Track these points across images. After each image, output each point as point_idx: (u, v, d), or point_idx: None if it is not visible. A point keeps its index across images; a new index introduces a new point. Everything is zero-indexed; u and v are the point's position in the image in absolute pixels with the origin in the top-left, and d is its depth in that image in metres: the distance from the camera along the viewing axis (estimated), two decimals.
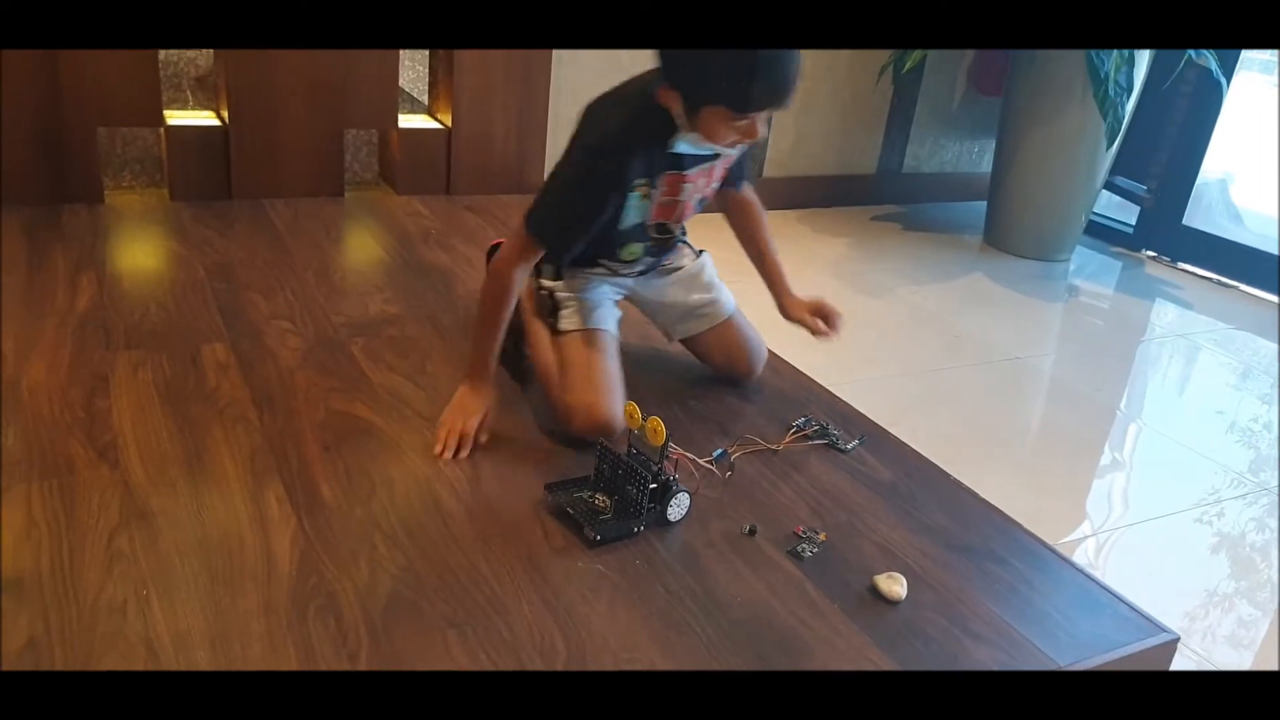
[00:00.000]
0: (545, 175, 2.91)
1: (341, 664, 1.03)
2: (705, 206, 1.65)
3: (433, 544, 1.24)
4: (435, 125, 2.78)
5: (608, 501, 1.31)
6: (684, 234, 1.73)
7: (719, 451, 1.49)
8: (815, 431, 1.62)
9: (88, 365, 1.58)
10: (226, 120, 2.45)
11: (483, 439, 1.46)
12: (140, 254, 2.15)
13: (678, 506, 1.32)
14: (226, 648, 1.03)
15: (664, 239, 1.63)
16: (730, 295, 1.75)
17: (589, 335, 1.56)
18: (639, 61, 1.45)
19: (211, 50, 2.60)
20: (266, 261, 2.11)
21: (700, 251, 1.76)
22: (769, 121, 1.40)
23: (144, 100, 2.34)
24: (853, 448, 1.59)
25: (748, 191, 1.73)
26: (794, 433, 1.61)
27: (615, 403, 1.48)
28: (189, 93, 2.66)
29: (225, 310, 1.84)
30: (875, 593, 1.25)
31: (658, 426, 1.28)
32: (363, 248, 2.36)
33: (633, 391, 1.68)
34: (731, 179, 1.65)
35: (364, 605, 1.11)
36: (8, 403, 1.44)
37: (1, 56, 2.14)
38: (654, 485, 1.29)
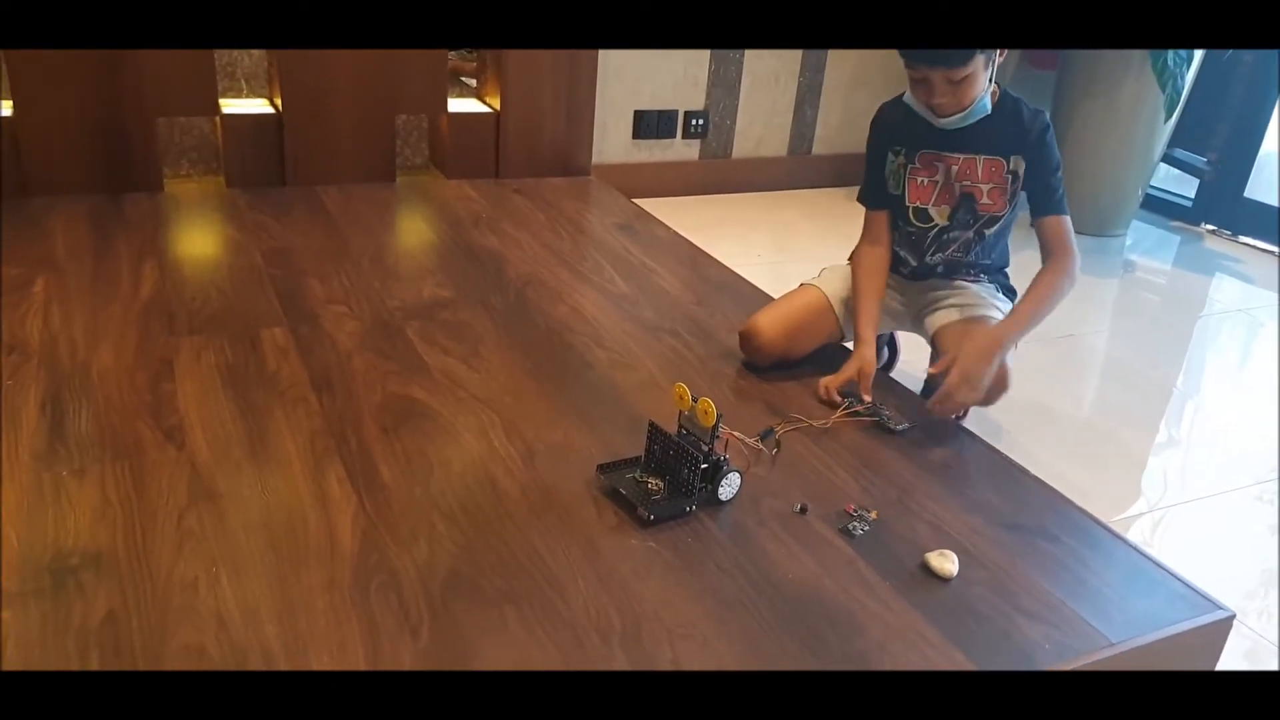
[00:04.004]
0: (593, 158, 2.95)
1: (403, 638, 1.05)
2: (995, 226, 1.70)
3: (489, 523, 1.26)
4: (484, 109, 2.80)
5: (660, 483, 1.33)
6: (975, 272, 1.76)
7: (766, 430, 1.50)
8: (865, 409, 1.62)
9: (153, 350, 1.63)
10: (280, 108, 2.49)
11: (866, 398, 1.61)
12: (199, 241, 2.21)
13: (729, 486, 1.34)
14: (293, 622, 1.06)
15: (925, 229, 1.73)
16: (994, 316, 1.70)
17: (802, 287, 1.82)
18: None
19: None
20: (321, 247, 2.15)
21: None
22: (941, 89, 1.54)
23: (200, 91, 2.39)
24: (903, 430, 1.59)
25: (1049, 226, 1.65)
26: (844, 408, 1.61)
27: (762, 321, 1.73)
28: (243, 82, 2.70)
29: (283, 295, 1.88)
30: (927, 570, 1.25)
31: (708, 407, 1.30)
32: (415, 232, 2.39)
33: (682, 373, 1.70)
34: (1037, 208, 1.65)
35: (424, 581, 1.14)
36: (79, 387, 1.49)
37: (62, 54, 2.20)
38: (705, 465, 1.31)
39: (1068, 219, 1.66)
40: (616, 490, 1.32)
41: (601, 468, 1.36)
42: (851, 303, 1.75)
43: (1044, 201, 1.66)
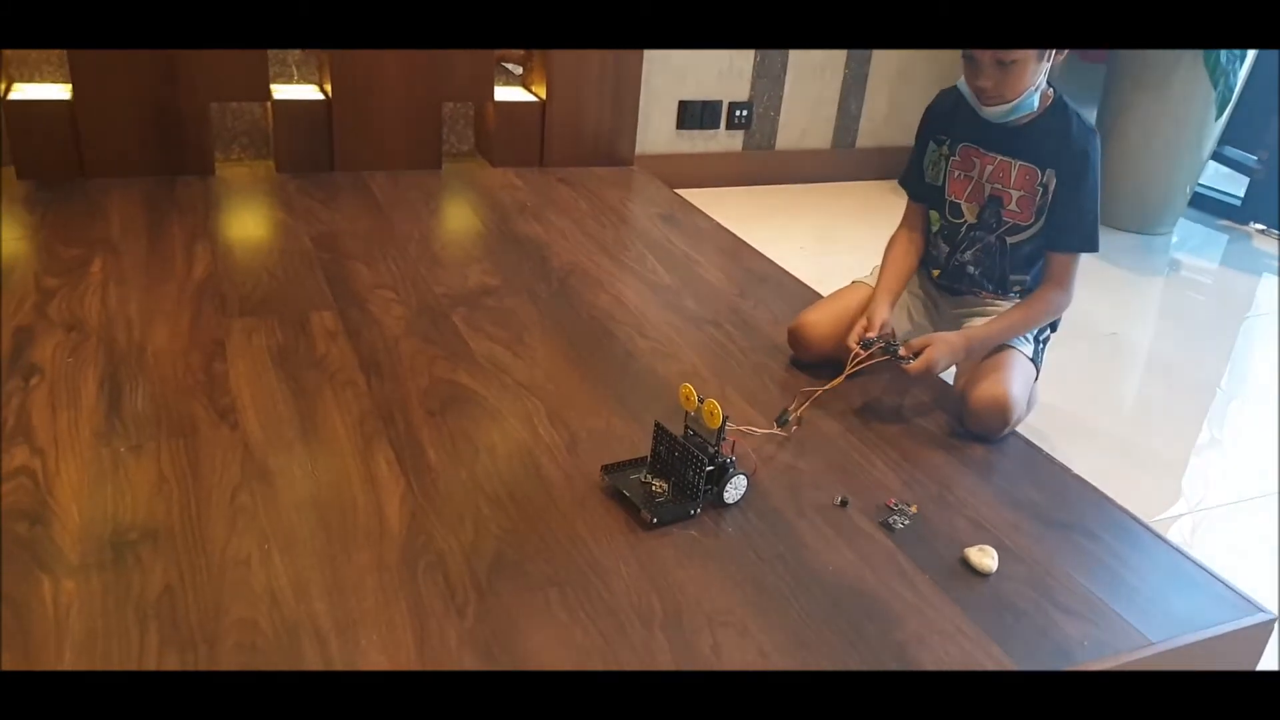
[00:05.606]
0: (637, 147, 2.96)
1: (450, 618, 1.08)
2: (1018, 236, 1.66)
3: (534, 507, 1.28)
4: (530, 98, 2.82)
5: (664, 485, 1.32)
6: (1005, 290, 1.73)
7: (781, 414, 1.51)
8: (878, 347, 1.57)
9: (206, 331, 1.66)
10: (330, 95, 2.53)
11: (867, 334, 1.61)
12: (250, 224, 2.25)
13: (734, 489, 1.32)
14: (343, 600, 1.09)
15: (957, 224, 1.71)
16: (1025, 347, 1.66)
17: (854, 284, 1.82)
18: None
19: None
20: (369, 232, 2.18)
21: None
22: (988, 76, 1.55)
23: (252, 77, 2.43)
24: (906, 360, 1.56)
25: (1058, 261, 1.64)
26: (854, 360, 1.56)
27: (812, 317, 1.74)
28: (294, 68, 2.74)
29: (331, 279, 1.91)
30: (966, 565, 1.26)
31: (714, 409, 1.28)
32: (460, 219, 2.42)
33: (725, 365, 1.71)
34: (1052, 236, 1.63)
35: (470, 564, 1.17)
36: (135, 365, 1.53)
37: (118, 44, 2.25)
38: (711, 468, 1.28)
39: (1079, 258, 1.63)
40: (620, 492, 1.31)
41: (606, 468, 1.34)
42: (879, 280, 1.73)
43: (1060, 232, 1.62)
